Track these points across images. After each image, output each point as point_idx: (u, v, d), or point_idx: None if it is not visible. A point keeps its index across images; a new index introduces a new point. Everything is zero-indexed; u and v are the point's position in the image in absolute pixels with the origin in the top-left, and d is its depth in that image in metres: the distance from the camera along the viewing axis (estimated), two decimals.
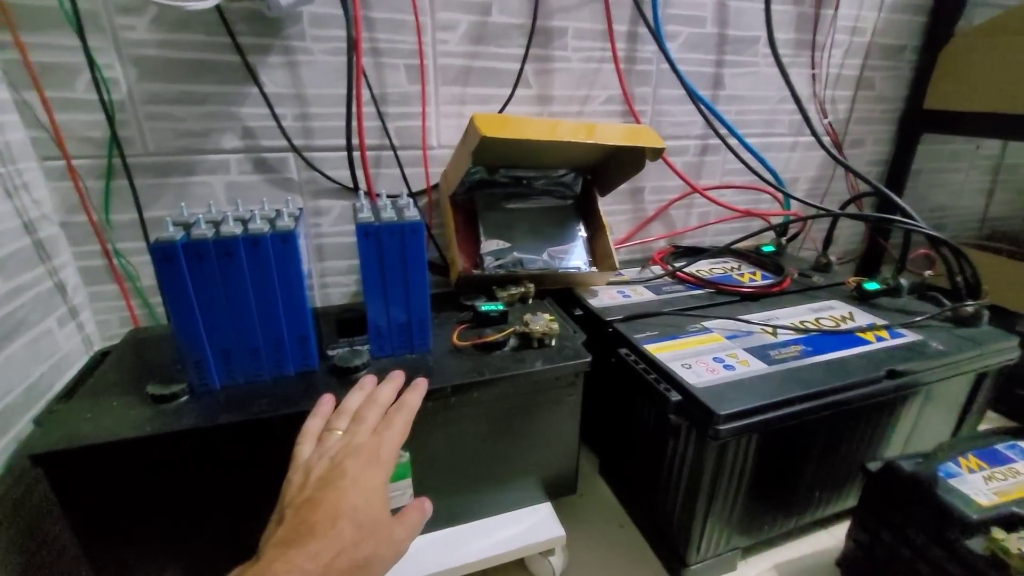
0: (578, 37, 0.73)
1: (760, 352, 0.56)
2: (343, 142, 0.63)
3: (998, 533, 0.42)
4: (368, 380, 0.46)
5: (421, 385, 0.45)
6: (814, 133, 0.78)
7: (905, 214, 0.69)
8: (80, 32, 0.52)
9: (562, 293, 0.70)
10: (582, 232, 0.75)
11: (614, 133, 0.62)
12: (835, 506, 0.61)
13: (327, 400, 0.43)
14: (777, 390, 0.50)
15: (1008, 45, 0.81)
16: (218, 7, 0.54)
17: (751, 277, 0.78)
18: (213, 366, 0.45)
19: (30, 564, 0.48)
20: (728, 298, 0.70)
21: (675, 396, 0.50)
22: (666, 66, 0.75)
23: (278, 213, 0.46)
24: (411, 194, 0.61)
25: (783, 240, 0.90)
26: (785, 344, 0.58)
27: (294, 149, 0.65)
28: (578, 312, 0.67)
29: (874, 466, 0.52)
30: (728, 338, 0.59)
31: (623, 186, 0.74)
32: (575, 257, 0.73)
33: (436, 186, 0.73)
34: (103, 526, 0.43)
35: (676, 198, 0.89)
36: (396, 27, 0.64)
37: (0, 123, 0.52)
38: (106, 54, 0.56)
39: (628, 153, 0.68)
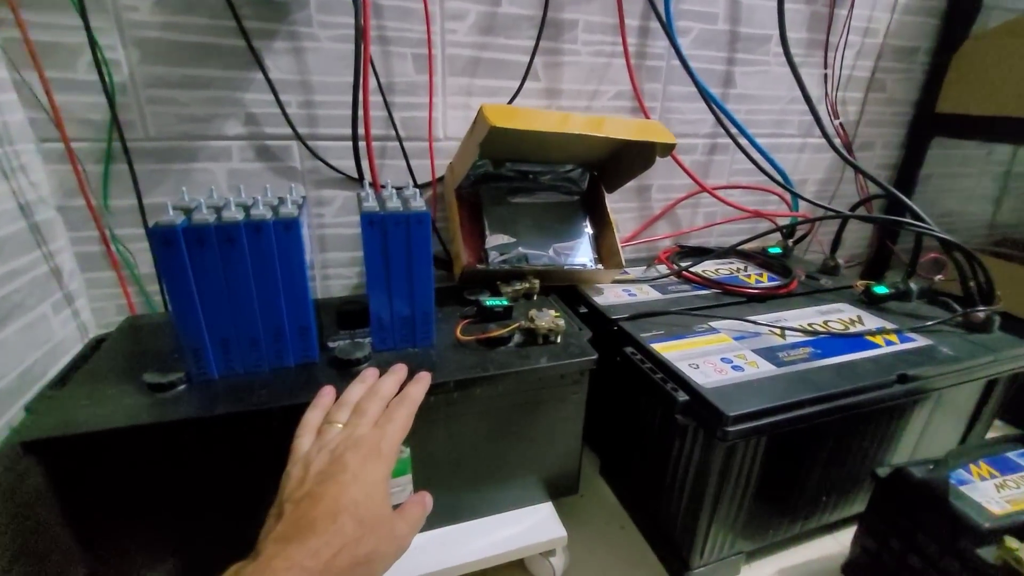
0: (588, 30, 0.72)
1: (769, 353, 0.55)
2: (348, 131, 0.62)
3: (1011, 542, 0.41)
4: (370, 373, 0.45)
5: (424, 379, 0.44)
6: (825, 135, 0.77)
7: (917, 217, 0.68)
8: (82, 11, 0.51)
9: (566, 290, 0.69)
10: (588, 229, 0.74)
11: (624, 127, 0.61)
12: (841, 511, 0.60)
13: (327, 392, 0.42)
14: (787, 392, 0.49)
15: None
16: None
17: (758, 278, 0.77)
18: (212, 355, 0.44)
19: (22, 552, 0.47)
20: (735, 299, 0.69)
21: (682, 396, 0.49)
22: (676, 62, 0.74)
23: (281, 200, 0.45)
24: (416, 186, 0.60)
25: (790, 242, 0.89)
26: (794, 346, 0.57)
27: (298, 137, 0.64)
28: (582, 310, 0.66)
29: (884, 472, 0.51)
30: (736, 339, 0.58)
31: (630, 184, 0.73)
32: (581, 254, 0.72)
33: (441, 179, 0.72)
34: (96, 517, 0.42)
35: (683, 197, 0.88)
36: (404, 15, 0.63)
37: None
38: (108, 35, 0.55)
39: (637, 149, 0.67)
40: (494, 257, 0.67)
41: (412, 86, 0.67)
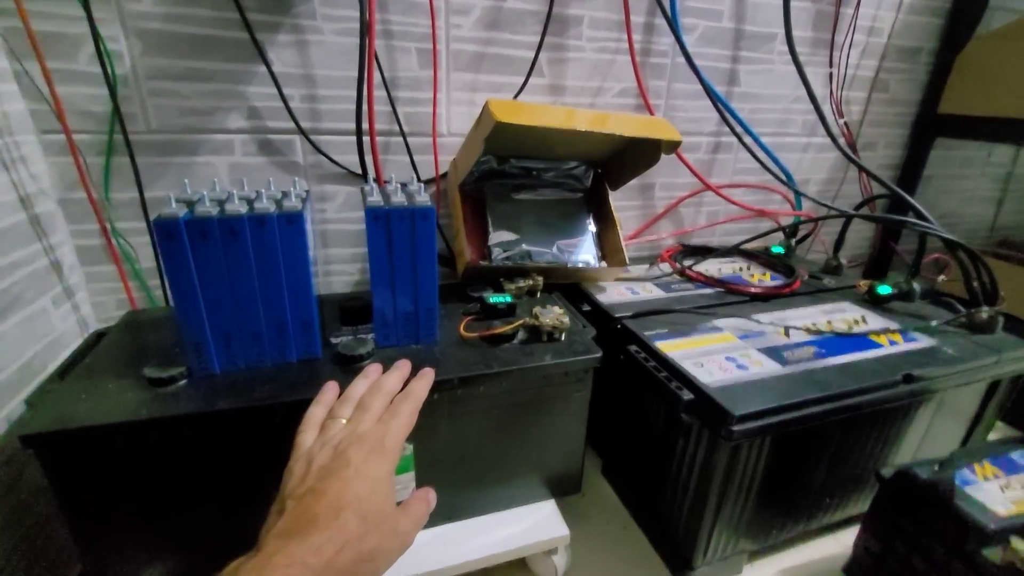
0: (593, 26, 0.72)
1: (773, 353, 0.55)
2: (351, 126, 0.61)
3: (1018, 543, 0.41)
4: (373, 368, 0.44)
5: (428, 375, 0.44)
6: (830, 134, 0.77)
7: (921, 217, 0.67)
8: (85, 2, 0.50)
9: (569, 288, 0.69)
10: (591, 226, 0.74)
11: (630, 124, 0.61)
12: (843, 512, 0.60)
13: (331, 387, 0.42)
14: (793, 392, 0.48)
15: None
16: None
17: (761, 278, 0.77)
18: (213, 350, 0.44)
19: (19, 546, 0.47)
20: (738, 298, 0.69)
21: (687, 395, 0.48)
22: (681, 60, 0.74)
23: (285, 194, 0.45)
24: (420, 181, 0.59)
25: (792, 241, 0.89)
26: (798, 345, 0.57)
27: (301, 131, 0.63)
28: (585, 307, 0.65)
29: (888, 472, 0.50)
30: (740, 337, 0.58)
31: (633, 182, 0.72)
32: (584, 251, 0.72)
33: (445, 175, 0.72)
34: (95, 511, 0.41)
35: (686, 195, 0.88)
36: (409, 9, 0.63)
37: None
38: (111, 26, 0.54)
39: (642, 146, 0.66)
40: (497, 254, 0.67)
41: (416, 81, 0.66)
